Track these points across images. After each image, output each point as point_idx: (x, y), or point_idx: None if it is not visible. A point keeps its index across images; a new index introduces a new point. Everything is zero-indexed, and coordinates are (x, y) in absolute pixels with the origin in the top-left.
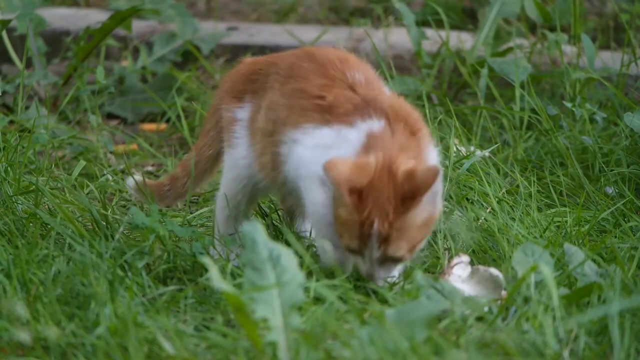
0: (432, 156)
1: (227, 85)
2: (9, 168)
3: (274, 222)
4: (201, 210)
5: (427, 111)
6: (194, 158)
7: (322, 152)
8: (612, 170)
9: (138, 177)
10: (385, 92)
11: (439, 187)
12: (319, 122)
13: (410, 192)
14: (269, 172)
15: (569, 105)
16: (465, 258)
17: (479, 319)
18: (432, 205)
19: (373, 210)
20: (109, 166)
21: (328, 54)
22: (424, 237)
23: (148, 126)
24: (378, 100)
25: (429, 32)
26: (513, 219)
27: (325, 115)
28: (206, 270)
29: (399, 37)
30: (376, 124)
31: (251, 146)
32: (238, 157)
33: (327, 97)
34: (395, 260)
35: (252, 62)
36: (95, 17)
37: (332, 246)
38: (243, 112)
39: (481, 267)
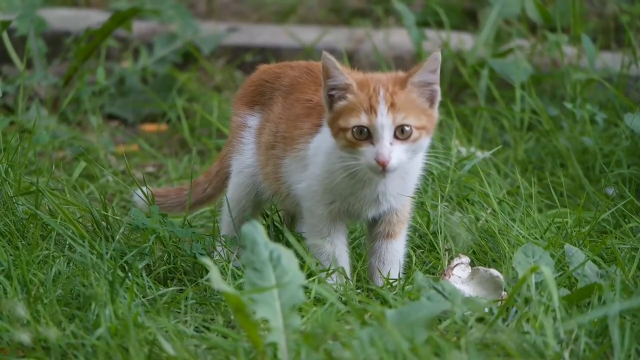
0: None
1: (241, 92)
2: (9, 169)
3: (275, 223)
4: (201, 210)
5: None
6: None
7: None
8: (612, 171)
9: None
10: None
11: (435, 76)
12: (308, 133)
13: (405, 75)
14: (272, 182)
15: (569, 106)
16: (466, 259)
17: (480, 319)
18: (429, 91)
19: (377, 85)
20: (110, 167)
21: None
22: (426, 127)
23: (148, 127)
24: None
25: (430, 33)
26: (513, 220)
27: (311, 119)
28: (207, 271)
29: (400, 38)
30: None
31: (257, 156)
32: (244, 165)
33: (314, 98)
34: (405, 137)
35: (263, 71)
36: (96, 17)
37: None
38: (253, 120)
39: (481, 268)
